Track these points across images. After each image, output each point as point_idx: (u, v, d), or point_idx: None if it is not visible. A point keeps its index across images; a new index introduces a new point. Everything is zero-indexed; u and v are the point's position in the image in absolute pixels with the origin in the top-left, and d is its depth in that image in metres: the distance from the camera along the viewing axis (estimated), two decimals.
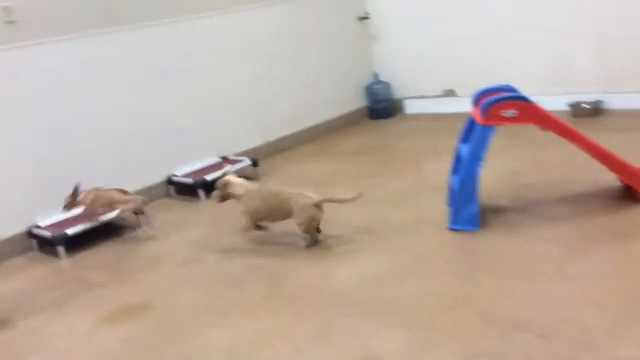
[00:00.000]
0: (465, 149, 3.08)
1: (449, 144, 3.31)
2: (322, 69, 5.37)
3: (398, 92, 5.74)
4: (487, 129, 2.94)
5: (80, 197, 3.59)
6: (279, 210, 3.12)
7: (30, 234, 3.63)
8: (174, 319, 2.64)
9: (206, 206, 4.04)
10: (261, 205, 3.15)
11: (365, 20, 5.66)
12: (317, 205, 3.04)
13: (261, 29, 4.86)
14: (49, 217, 3.66)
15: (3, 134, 3.53)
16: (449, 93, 5.45)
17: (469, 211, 2.98)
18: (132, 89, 4.09)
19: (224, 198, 3.28)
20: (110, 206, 3.58)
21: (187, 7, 4.38)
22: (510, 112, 2.93)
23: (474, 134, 3.01)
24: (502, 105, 2.93)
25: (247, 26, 4.76)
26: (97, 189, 3.62)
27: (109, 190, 3.65)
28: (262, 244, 3.26)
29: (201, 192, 4.12)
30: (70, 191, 3.58)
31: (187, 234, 3.59)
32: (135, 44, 4.10)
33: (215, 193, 3.31)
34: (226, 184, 3.24)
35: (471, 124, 3.18)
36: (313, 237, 3.10)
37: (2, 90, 3.51)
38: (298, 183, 4.20)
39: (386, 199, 3.65)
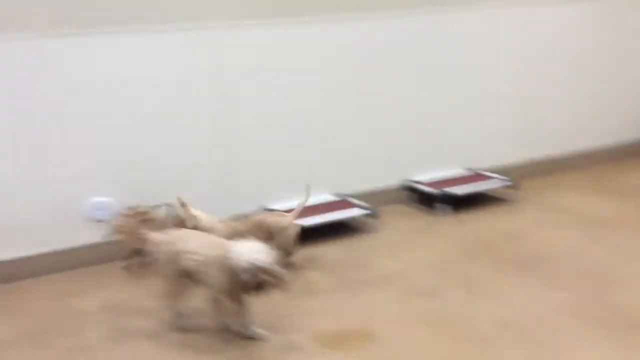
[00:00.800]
0: None
1: None
2: (613, 81, 4.34)
3: None
4: None
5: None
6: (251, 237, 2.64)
7: None
8: None
9: (447, 221, 3.46)
10: (228, 237, 2.67)
11: None
12: (293, 222, 2.88)
13: (540, 25, 4.02)
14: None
15: (249, 111, 3.37)
16: None
17: None
18: (384, 81, 3.63)
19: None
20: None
21: None
22: None
23: None
24: None
25: (524, 22, 3.97)
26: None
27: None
28: (513, 294, 2.56)
29: (443, 207, 3.55)
30: (174, 206, 2.82)
31: (422, 253, 3.04)
32: (400, 33, 3.60)
33: (167, 221, 2.82)
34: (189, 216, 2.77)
35: None
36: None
37: (261, 65, 3.34)
38: (562, 218, 3.38)
39: None
